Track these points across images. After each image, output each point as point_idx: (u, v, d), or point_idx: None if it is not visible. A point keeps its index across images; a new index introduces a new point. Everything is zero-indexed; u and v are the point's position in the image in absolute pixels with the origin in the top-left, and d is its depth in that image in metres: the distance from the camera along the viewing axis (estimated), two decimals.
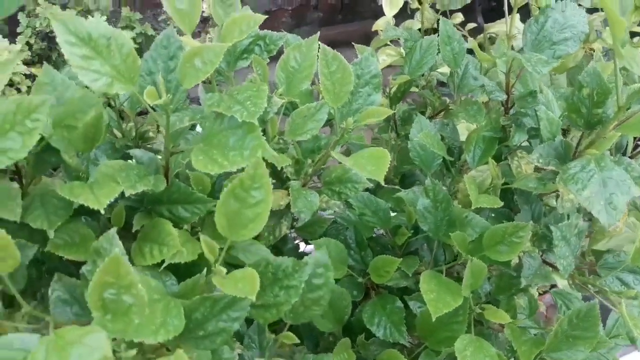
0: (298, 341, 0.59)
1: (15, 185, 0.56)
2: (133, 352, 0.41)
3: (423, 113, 1.01)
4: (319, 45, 0.65)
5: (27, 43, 2.31)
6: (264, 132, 0.69)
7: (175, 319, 0.45)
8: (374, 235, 0.84)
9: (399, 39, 1.08)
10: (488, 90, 0.72)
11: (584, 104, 0.55)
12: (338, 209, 0.75)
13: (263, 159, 0.72)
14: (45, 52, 2.35)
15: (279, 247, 0.83)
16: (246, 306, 0.48)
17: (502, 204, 0.64)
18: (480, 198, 0.63)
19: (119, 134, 0.78)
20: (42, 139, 0.53)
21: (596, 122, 0.55)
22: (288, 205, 0.73)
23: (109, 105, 0.76)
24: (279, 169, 0.73)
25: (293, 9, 3.19)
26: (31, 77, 2.17)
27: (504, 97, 0.73)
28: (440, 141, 0.79)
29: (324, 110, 0.68)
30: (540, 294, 0.96)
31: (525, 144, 0.74)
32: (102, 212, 0.48)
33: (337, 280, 0.74)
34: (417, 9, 1.29)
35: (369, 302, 0.73)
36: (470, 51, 0.91)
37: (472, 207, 0.63)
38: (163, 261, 0.55)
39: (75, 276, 0.54)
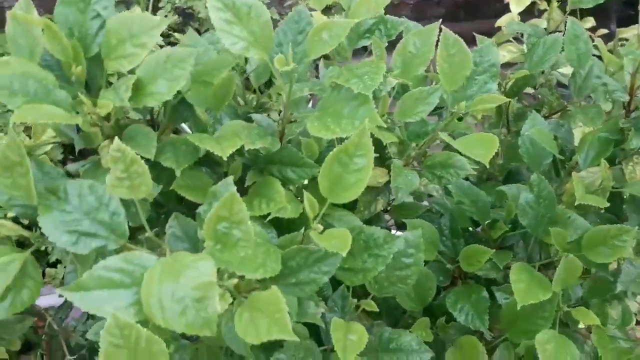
0: (377, 310, 0.62)
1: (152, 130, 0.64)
2: (235, 280, 0.46)
3: (538, 112, 0.99)
4: (441, 28, 0.67)
5: (165, 17, 2.52)
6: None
7: (274, 262, 0.49)
8: (469, 229, 0.84)
9: (521, 36, 1.06)
10: (610, 89, 0.70)
11: None
12: (436, 194, 0.77)
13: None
14: (180, 26, 2.54)
15: (372, 224, 0.86)
16: (336, 262, 0.51)
17: (607, 204, 0.62)
18: (586, 196, 0.62)
19: (242, 102, 0.85)
20: (179, 93, 0.60)
21: None
22: (386, 184, 0.76)
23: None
24: (383, 146, 0.76)
25: (414, 3, 3.18)
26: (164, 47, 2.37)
27: (627, 97, 0.70)
28: (553, 140, 0.77)
29: (436, 94, 0.69)
30: (637, 323, 0.90)
31: None
32: (224, 158, 0.53)
33: (426, 263, 0.76)
34: (545, 10, 1.25)
35: (455, 289, 0.74)
36: (596, 56, 0.87)
37: (577, 203, 0.61)
38: (268, 215, 0.61)
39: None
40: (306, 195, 0.51)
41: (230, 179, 0.55)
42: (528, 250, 0.72)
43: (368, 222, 0.79)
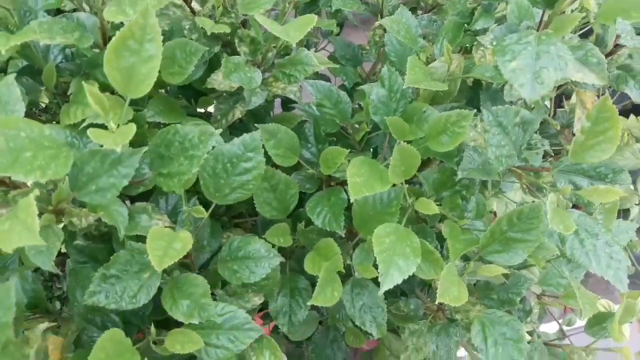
0: (206, 215, 0.58)
1: None
2: None
3: (415, 10, 0.94)
4: None
5: None
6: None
7: (60, 166, 0.44)
8: (341, 132, 0.81)
9: None
10: None
11: None
12: (294, 96, 0.72)
13: (213, 35, 0.69)
14: None
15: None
16: (135, 162, 0.46)
17: (445, 87, 0.59)
18: (422, 80, 0.58)
19: None
20: None
21: None
22: (240, 88, 0.71)
23: None
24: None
25: None
26: None
27: None
28: (414, 33, 0.72)
29: None
30: None
31: None
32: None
33: (287, 169, 0.72)
34: None
35: (317, 194, 0.70)
36: None
37: (405, 85, 0.58)
38: (83, 121, 0.55)
39: None
40: (88, 88, 0.44)
41: (12, 77, 0.48)
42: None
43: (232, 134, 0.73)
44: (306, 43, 1.04)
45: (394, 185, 0.59)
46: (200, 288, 0.53)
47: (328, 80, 1.07)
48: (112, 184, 0.46)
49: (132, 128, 0.44)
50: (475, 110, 0.56)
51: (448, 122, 0.57)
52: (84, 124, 0.54)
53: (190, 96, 0.80)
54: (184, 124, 0.63)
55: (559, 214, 0.47)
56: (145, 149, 0.47)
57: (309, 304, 0.60)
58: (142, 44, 0.45)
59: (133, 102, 0.68)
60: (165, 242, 0.51)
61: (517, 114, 0.52)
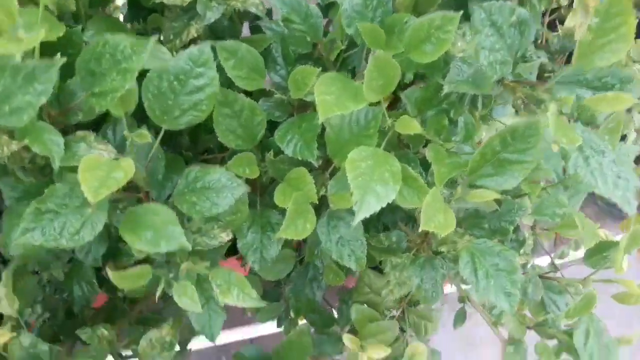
0: (149, 139, 0.50)
1: None
2: None
3: None
4: None
5: None
6: None
7: None
8: (317, 53, 0.72)
9: None
10: None
11: None
12: (256, 9, 0.63)
13: None
14: None
15: None
16: (52, 76, 0.39)
17: None
18: None
19: None
20: None
21: None
22: (194, 2, 0.62)
23: None
24: None
25: None
26: None
27: None
28: None
29: None
30: None
31: None
32: None
33: (251, 93, 0.64)
34: None
35: (288, 120, 0.63)
36: None
37: None
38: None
39: None
40: None
41: None
42: None
43: None
44: None
45: (371, 104, 0.51)
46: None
47: None
48: (29, 103, 0.39)
49: (40, 34, 0.36)
50: (462, 13, 0.48)
51: (431, 27, 0.49)
52: None
53: (143, 17, 0.71)
54: None
55: (563, 126, 0.40)
56: (63, 60, 0.39)
57: (277, 236, 0.54)
58: None
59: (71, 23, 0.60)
60: (104, 172, 0.44)
61: (513, 11, 0.44)
